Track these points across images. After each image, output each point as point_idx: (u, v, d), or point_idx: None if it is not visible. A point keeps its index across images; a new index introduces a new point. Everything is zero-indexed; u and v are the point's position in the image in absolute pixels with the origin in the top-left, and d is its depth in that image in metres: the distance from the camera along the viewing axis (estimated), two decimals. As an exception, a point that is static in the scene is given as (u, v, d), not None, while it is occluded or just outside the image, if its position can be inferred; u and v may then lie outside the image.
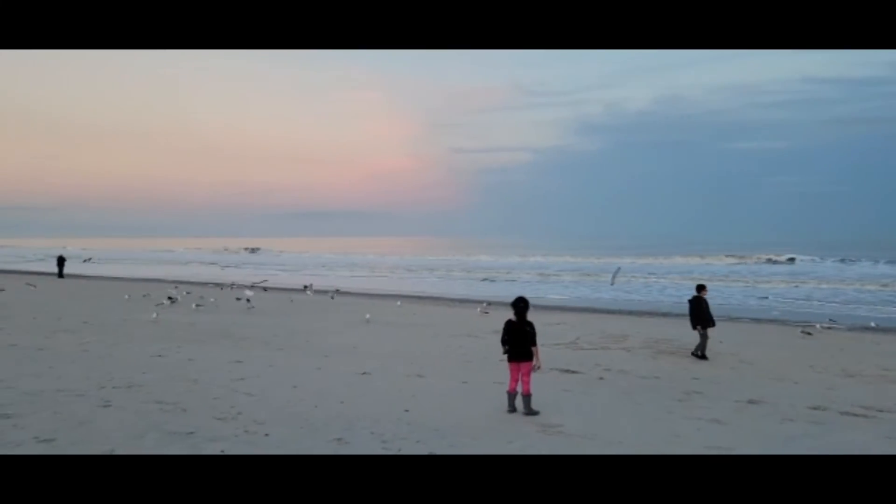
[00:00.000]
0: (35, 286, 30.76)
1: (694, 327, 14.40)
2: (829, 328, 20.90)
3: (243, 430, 7.46)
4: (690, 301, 14.65)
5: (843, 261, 57.58)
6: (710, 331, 14.44)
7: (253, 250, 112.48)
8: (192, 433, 7.20)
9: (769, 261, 59.76)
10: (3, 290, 28.27)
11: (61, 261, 43.38)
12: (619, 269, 32.00)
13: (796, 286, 38.42)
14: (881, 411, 9.41)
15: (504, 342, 9.07)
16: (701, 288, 15.09)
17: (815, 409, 9.50)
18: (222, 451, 6.61)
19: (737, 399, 10.09)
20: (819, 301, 31.24)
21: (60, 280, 39.14)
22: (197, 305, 23.68)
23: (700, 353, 14.23)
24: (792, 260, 59.73)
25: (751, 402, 9.94)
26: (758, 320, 23.99)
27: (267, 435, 7.28)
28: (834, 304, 29.58)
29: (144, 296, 27.06)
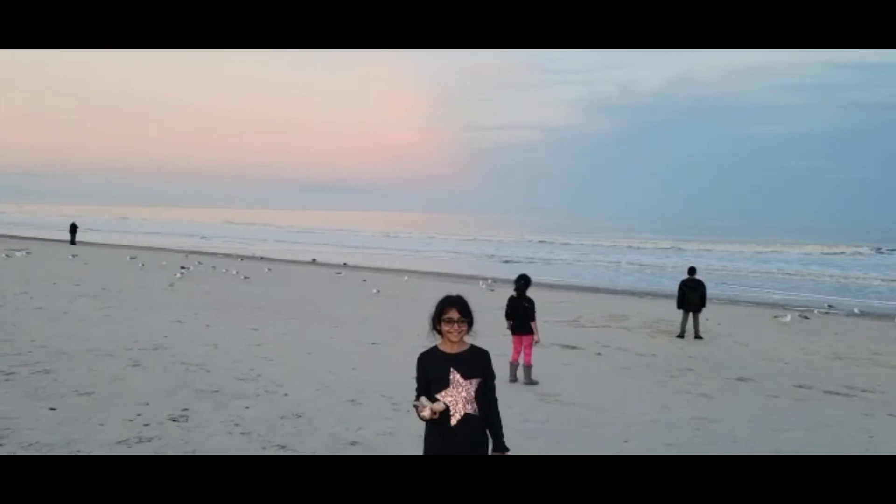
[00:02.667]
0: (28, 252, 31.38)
1: (699, 309, 14.92)
2: (827, 313, 21.40)
3: (264, 389, 8.07)
4: (698, 283, 15.14)
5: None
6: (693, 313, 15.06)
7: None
8: (217, 391, 7.80)
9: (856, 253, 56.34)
10: (29, 252, 29.03)
11: (73, 228, 44.01)
12: None
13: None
14: (864, 391, 9.94)
15: (508, 316, 9.68)
16: (695, 270, 15.63)
17: (800, 387, 10.04)
18: (246, 407, 7.20)
19: (727, 376, 10.65)
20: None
21: (72, 247, 39.80)
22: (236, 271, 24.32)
23: (699, 333, 14.81)
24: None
25: (740, 379, 10.49)
26: (758, 304, 24.49)
27: (286, 395, 7.88)
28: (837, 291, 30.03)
29: (165, 265, 27.72)
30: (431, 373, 3.60)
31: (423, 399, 3.51)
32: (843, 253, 55.79)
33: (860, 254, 55.13)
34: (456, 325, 3.58)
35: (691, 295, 14.96)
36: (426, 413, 3.45)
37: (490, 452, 3.63)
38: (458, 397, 3.55)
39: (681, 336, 14.74)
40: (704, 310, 15.22)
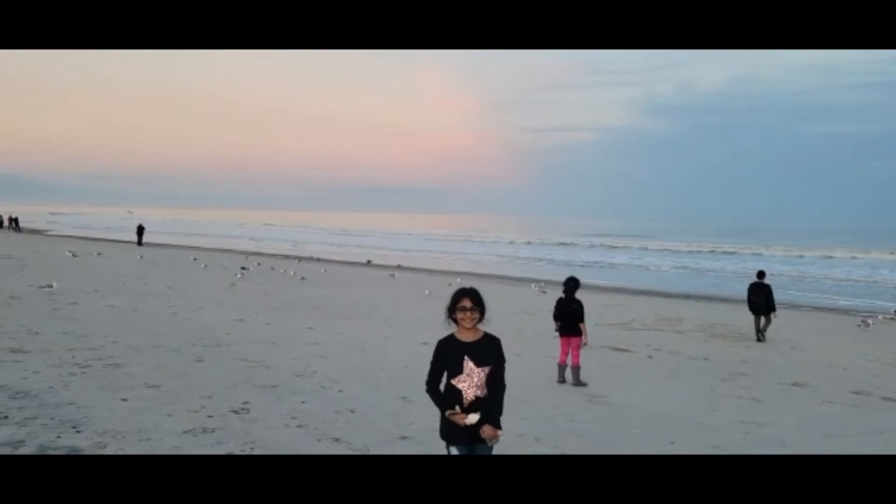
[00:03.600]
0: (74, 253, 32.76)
1: (767, 312, 14.94)
2: (893, 319, 20.65)
3: (320, 386, 8.41)
4: (761, 286, 15.12)
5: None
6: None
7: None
8: (276, 386, 8.17)
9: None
10: (100, 253, 30.52)
11: (141, 230, 45.87)
12: None
13: None
14: (924, 399, 9.67)
15: (556, 318, 9.80)
16: (764, 274, 15.64)
17: (857, 393, 9.83)
18: (303, 402, 7.54)
19: (781, 381, 10.49)
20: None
21: (140, 248, 41.51)
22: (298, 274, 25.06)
23: (763, 335, 14.85)
24: None
25: (794, 384, 10.33)
26: (819, 308, 23.81)
27: (341, 391, 8.20)
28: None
29: (226, 265, 28.73)
30: (448, 359, 3.99)
31: (458, 408, 3.92)
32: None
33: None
34: (469, 313, 3.99)
35: (754, 299, 15.15)
36: (467, 421, 3.89)
37: (483, 426, 3.89)
38: (470, 383, 3.95)
39: (758, 339, 14.82)
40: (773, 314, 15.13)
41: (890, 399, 9.58)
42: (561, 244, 69.61)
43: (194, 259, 31.91)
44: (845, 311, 22.85)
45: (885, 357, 13.34)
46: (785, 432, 7.42)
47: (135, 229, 46.56)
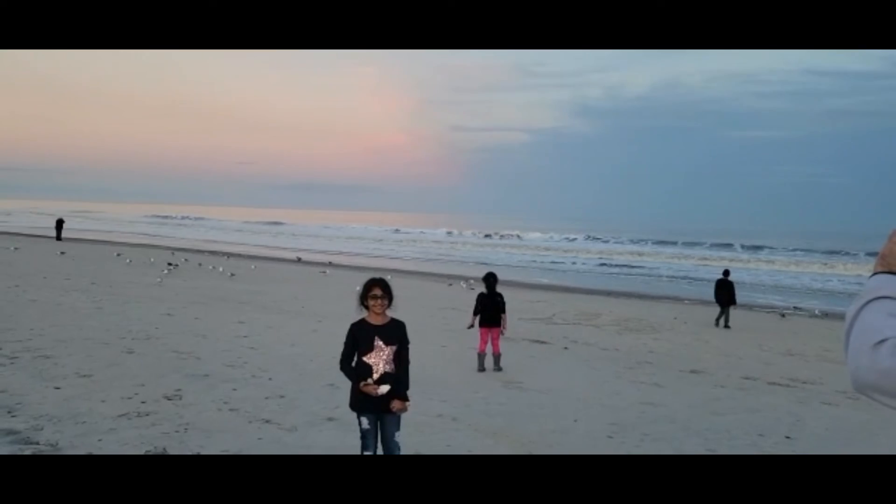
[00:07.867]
0: None
1: (729, 305, 17.73)
2: (793, 314, 22.36)
3: (250, 375, 8.78)
4: (726, 283, 18.05)
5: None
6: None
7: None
8: (207, 375, 8.50)
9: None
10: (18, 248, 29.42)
11: (60, 223, 44.21)
12: None
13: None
14: (804, 383, 10.80)
15: (476, 311, 10.46)
16: (728, 273, 18.78)
17: (746, 378, 10.88)
18: (234, 389, 7.91)
19: (681, 369, 11.48)
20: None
21: (59, 243, 40.06)
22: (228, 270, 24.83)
23: (728, 324, 17.51)
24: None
25: (693, 371, 11.33)
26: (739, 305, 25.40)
27: (270, 379, 8.60)
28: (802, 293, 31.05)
29: (152, 261, 28.25)
30: (360, 339, 4.65)
31: (370, 381, 4.56)
32: (824, 264, 56.75)
33: (849, 260, 56.01)
34: (379, 300, 4.62)
35: (720, 293, 18.02)
36: (379, 391, 4.53)
37: (392, 400, 4.57)
38: (379, 359, 4.62)
39: (717, 325, 17.64)
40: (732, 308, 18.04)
41: (774, 383, 10.65)
42: (492, 244, 70.87)
43: (118, 255, 31.17)
44: (750, 307, 24.52)
45: (778, 348, 14.62)
46: (676, 412, 8.27)
47: (54, 224, 44.85)
